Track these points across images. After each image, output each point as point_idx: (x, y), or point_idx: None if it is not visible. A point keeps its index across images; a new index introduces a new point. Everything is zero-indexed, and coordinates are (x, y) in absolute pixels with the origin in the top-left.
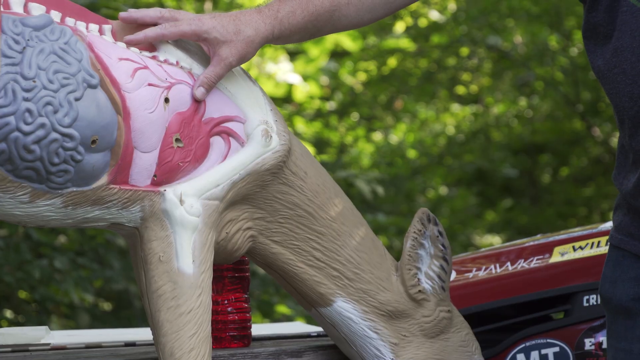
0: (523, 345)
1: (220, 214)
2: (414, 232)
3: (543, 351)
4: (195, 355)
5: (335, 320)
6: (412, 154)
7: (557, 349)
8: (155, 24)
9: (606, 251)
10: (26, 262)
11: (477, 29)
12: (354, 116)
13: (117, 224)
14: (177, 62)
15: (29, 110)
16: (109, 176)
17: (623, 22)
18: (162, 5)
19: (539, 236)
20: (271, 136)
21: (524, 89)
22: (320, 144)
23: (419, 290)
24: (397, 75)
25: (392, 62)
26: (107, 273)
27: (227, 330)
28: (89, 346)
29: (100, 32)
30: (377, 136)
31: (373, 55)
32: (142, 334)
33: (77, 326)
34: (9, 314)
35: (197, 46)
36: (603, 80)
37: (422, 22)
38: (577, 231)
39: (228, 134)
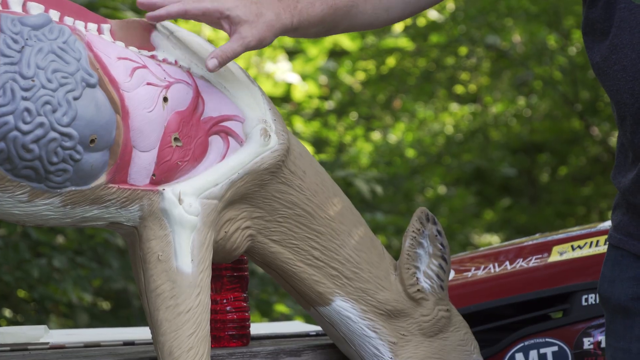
0: (522, 345)
1: (219, 213)
2: (413, 231)
3: (542, 350)
4: (194, 354)
5: (334, 320)
6: (410, 153)
7: (555, 348)
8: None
9: (605, 250)
10: (25, 261)
11: (475, 29)
12: (353, 115)
13: (116, 223)
14: (175, 62)
15: (27, 110)
16: (108, 175)
17: (621, 19)
18: None
19: (537, 235)
20: (270, 135)
21: (523, 88)
22: (318, 144)
23: (418, 290)
24: (396, 75)
25: (390, 61)
26: (106, 272)
27: (226, 330)
28: (87, 345)
29: (99, 31)
30: (376, 135)
31: (372, 54)
32: (141, 333)
33: (76, 325)
34: (7, 313)
35: (196, 45)
36: (603, 77)
37: (421, 22)
38: (576, 230)
39: (227, 133)
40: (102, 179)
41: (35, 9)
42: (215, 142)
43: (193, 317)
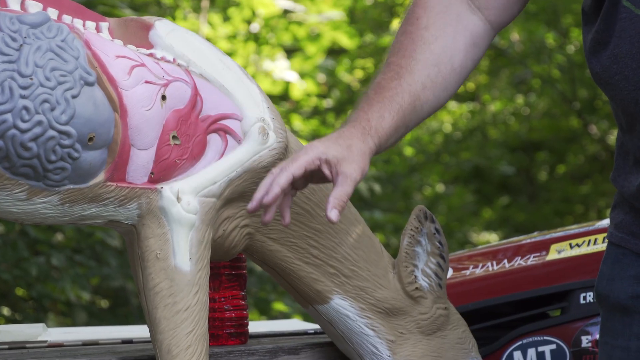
0: (520, 343)
1: (217, 211)
2: (411, 229)
3: (540, 348)
4: (192, 352)
5: (332, 318)
6: (409, 151)
7: (554, 346)
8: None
9: (603, 249)
10: (23, 259)
11: None
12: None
13: (114, 222)
14: (174, 60)
15: (26, 108)
16: (106, 173)
17: (622, 28)
18: (158, 3)
19: (535, 234)
20: (268, 134)
21: (521, 86)
22: None
23: (416, 288)
24: None
25: None
26: (104, 270)
27: (224, 328)
28: (86, 343)
29: (97, 29)
30: None
31: (370, 52)
32: (139, 331)
33: (74, 323)
34: (6, 311)
35: (194, 43)
36: (606, 87)
37: None
38: (574, 229)
39: (225, 131)
40: (101, 177)
41: (34, 7)
42: (214, 140)
43: (191, 315)
